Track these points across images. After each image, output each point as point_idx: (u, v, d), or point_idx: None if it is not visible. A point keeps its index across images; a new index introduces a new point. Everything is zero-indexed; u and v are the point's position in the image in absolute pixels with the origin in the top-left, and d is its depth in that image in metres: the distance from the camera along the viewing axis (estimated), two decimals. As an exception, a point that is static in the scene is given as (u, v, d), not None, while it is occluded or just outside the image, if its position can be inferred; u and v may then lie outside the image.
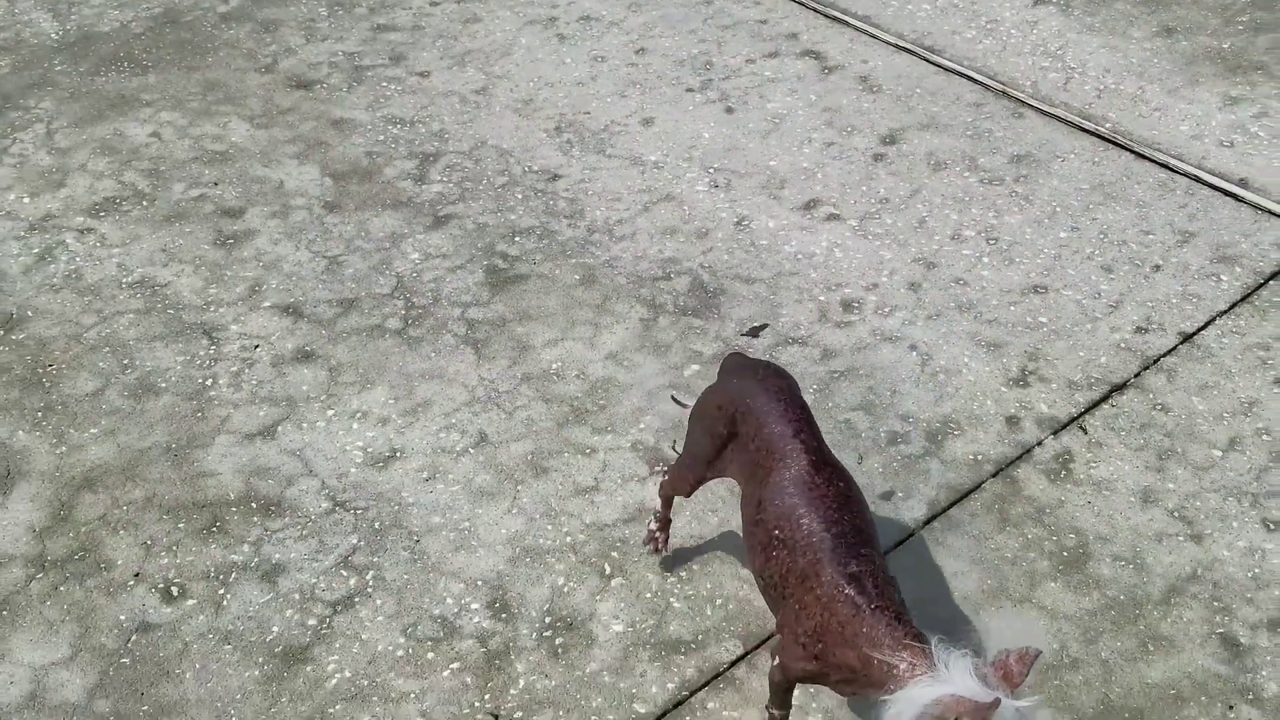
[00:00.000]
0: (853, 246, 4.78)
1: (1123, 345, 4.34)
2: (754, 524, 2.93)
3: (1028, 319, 4.45)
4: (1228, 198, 4.89)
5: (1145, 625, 3.51)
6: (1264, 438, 4.00)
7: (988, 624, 3.47)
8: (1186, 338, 4.35)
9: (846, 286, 4.61)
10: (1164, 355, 4.29)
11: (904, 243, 4.78)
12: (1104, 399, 4.15)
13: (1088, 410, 4.11)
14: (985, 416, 4.11)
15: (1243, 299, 4.47)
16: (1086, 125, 5.25)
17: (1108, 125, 5.29)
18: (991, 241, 4.78)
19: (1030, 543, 3.74)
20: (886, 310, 4.50)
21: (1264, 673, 3.39)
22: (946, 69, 5.61)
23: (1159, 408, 4.12)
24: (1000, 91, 5.46)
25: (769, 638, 3.48)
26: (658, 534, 3.56)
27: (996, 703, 2.50)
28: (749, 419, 3.01)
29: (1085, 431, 4.05)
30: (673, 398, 3.64)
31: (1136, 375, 4.23)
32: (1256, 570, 3.63)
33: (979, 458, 3.97)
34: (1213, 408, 4.11)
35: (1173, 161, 5.07)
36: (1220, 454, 3.97)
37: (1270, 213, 4.81)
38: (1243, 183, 4.93)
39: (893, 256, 4.73)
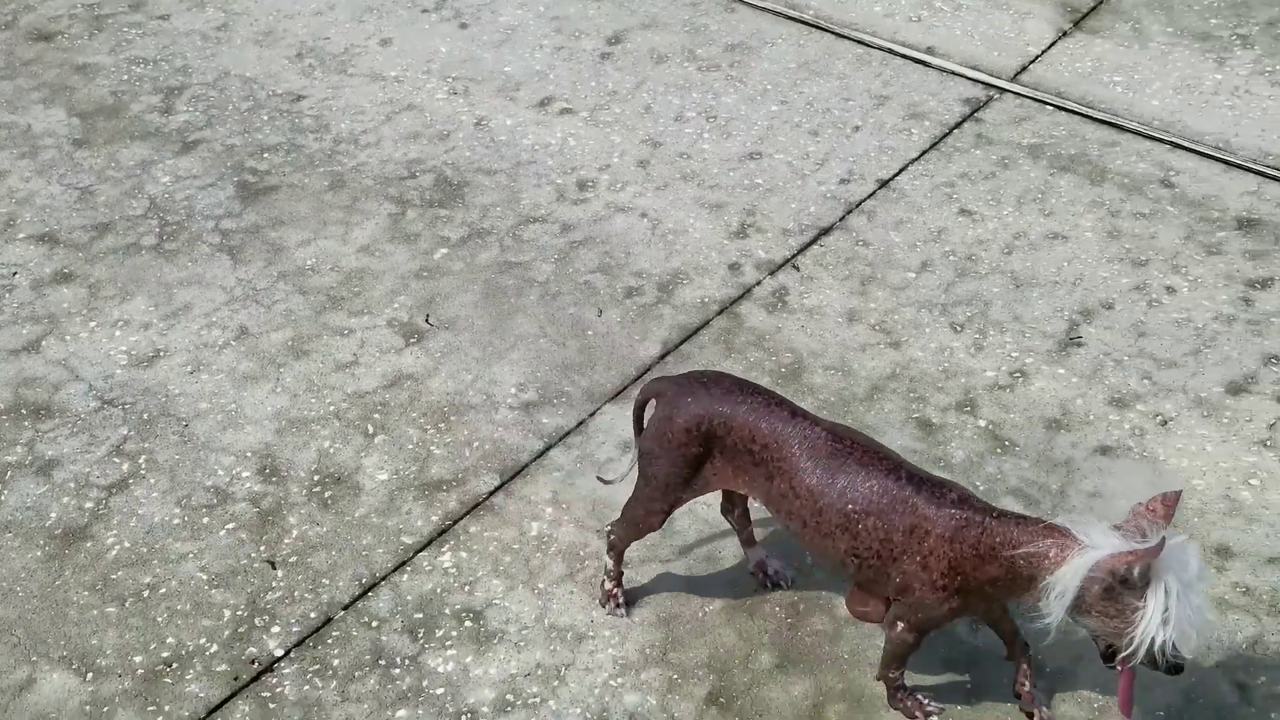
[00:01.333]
0: (585, 135, 5.17)
1: (829, 195, 4.83)
2: (815, 515, 2.89)
3: (745, 182, 4.91)
4: (917, 64, 5.45)
5: (853, 418, 3.99)
6: (950, 258, 4.54)
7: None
8: (884, 184, 4.87)
9: (581, 169, 5.00)
10: (864, 200, 4.80)
11: (632, 128, 5.20)
12: (813, 241, 4.64)
13: (800, 252, 4.60)
14: (710, 266, 4.55)
15: (931, 147, 5.02)
16: (792, 14, 5.75)
17: (810, 12, 5.80)
18: (711, 120, 5.23)
19: (753, 364, 4.19)
20: (618, 186, 4.91)
21: (952, 444, 3.91)
22: (660, -29, 6.06)
23: (861, 243, 4.63)
24: (714, -10, 5.93)
25: (522, 470, 3.83)
26: (615, 592, 3.39)
27: (1162, 543, 2.56)
28: (734, 428, 2.95)
29: (798, 269, 4.53)
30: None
31: (841, 219, 4.73)
32: (945, 365, 4.16)
33: (706, 300, 4.41)
34: (907, 238, 4.63)
35: (868, 38, 5.60)
36: (914, 275, 4.49)
37: (953, 73, 5.38)
38: (930, 50, 5.49)
39: (622, 140, 5.14)
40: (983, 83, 5.30)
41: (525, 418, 4.02)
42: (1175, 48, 5.45)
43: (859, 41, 5.58)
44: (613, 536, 3.30)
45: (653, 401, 3.12)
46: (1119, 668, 2.80)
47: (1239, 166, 4.83)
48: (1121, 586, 2.62)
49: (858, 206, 4.75)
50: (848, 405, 4.01)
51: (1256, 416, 3.94)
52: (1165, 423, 3.93)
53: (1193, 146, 4.92)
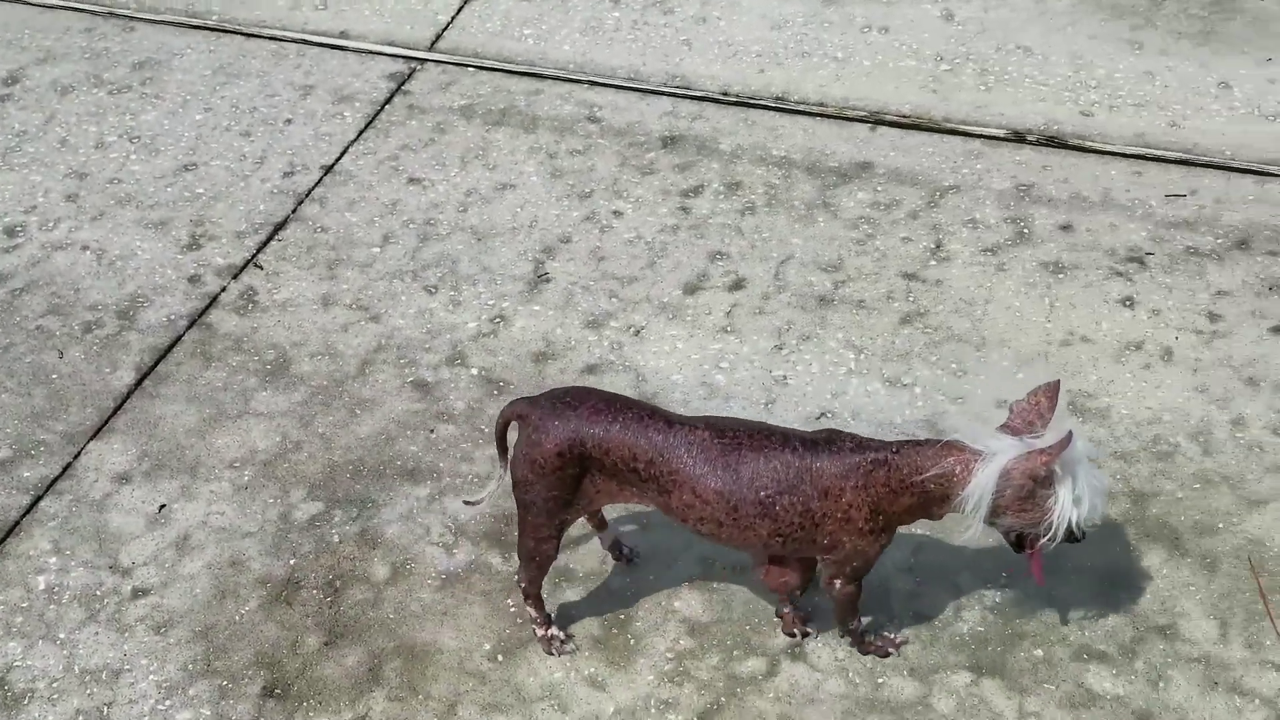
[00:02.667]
0: (2, 181, 4.94)
1: (276, 191, 4.89)
2: (730, 514, 2.94)
3: (186, 194, 4.88)
4: (334, 50, 5.59)
5: (349, 395, 4.10)
6: (410, 226, 4.73)
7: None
8: (328, 169, 4.99)
9: (5, 216, 4.79)
10: (313, 188, 4.90)
11: (51, 164, 5.03)
12: (271, 237, 4.69)
13: (259, 250, 4.64)
14: (168, 284, 4.50)
15: (367, 126, 5.18)
16: (195, 22, 5.73)
17: (214, 17, 5.81)
18: (135, 140, 5.15)
19: (236, 369, 4.20)
20: (50, 225, 4.75)
21: (451, 397, 4.10)
22: (56, 7, 5.87)
23: (320, 230, 4.73)
24: (107, 13, 5.80)
25: (14, 528, 3.66)
26: (549, 634, 3.38)
27: (1070, 436, 2.75)
28: (611, 449, 2.95)
29: (261, 268, 4.57)
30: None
31: (294, 211, 4.81)
32: (428, 326, 4.34)
33: (172, 318, 4.37)
34: (364, 217, 4.78)
35: (280, 33, 5.68)
36: (379, 249, 4.65)
37: (372, 53, 5.57)
38: (344, 35, 5.65)
39: (43, 179, 4.96)
40: (403, 57, 5.53)
41: (4, 475, 3.85)
42: (572, -5, 5.90)
43: (271, 38, 5.66)
44: (524, 584, 3.25)
45: (515, 424, 3.05)
46: (1029, 551, 3.02)
47: (653, 92, 5.30)
48: (1037, 485, 2.81)
49: (308, 196, 4.85)
50: (341, 385, 4.11)
51: (714, 308, 4.38)
52: (638, 332, 4.29)
53: (608, 81, 5.36)
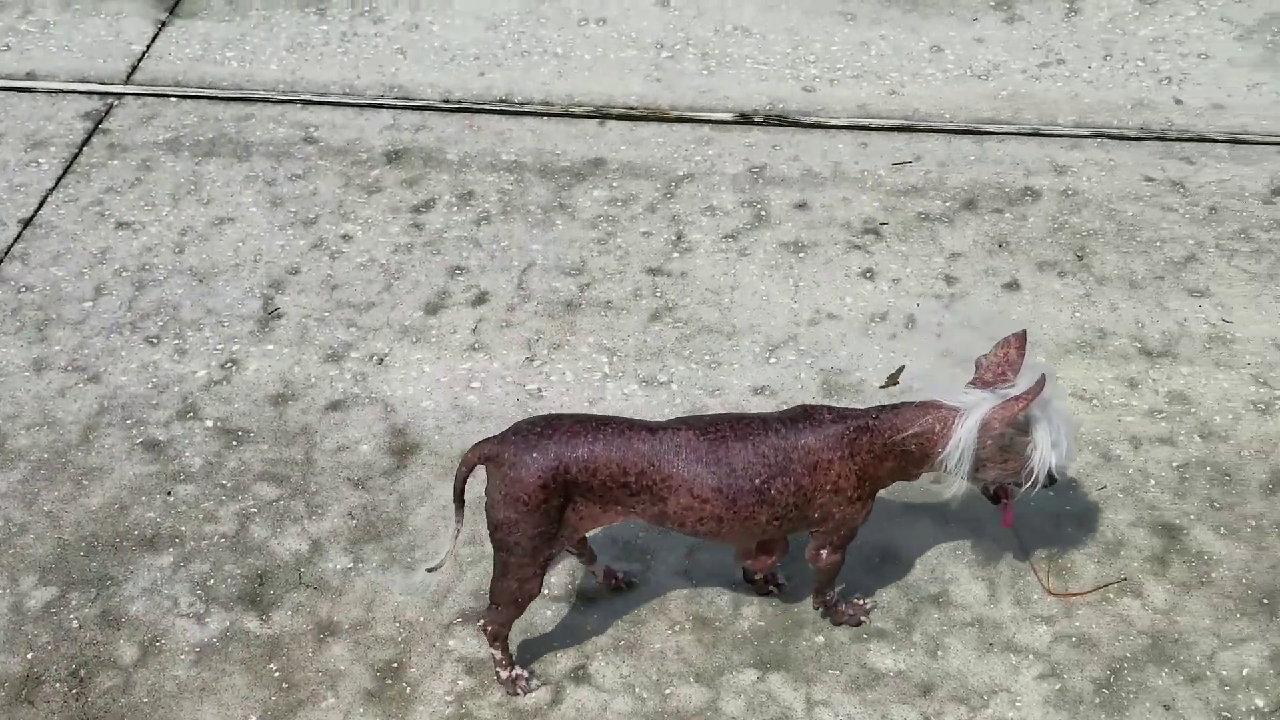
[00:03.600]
0: None
1: (-30, 251, 4.58)
2: (730, 508, 2.96)
3: None
4: (22, 93, 5.28)
5: (74, 467, 3.87)
6: (124, 275, 4.50)
7: None
8: (27, 223, 4.70)
9: None
10: (12, 244, 4.61)
11: None
12: (-31, 303, 4.39)
13: (-43, 319, 4.33)
14: None
15: (65, 172, 4.91)
16: None
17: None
18: None
19: (-56, 452, 3.91)
20: None
21: (187, 454, 3.91)
22: None
23: (24, 289, 4.45)
24: None
25: None
26: (514, 676, 3.30)
27: (1043, 379, 2.84)
28: (599, 469, 2.92)
29: (-38, 338, 4.27)
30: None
31: (-7, 271, 4.51)
32: (154, 380, 4.13)
33: None
34: (71, 270, 4.52)
35: (-42, 78, 5.34)
36: (91, 303, 4.40)
37: (64, 92, 5.27)
38: (31, 75, 5.33)
39: None
40: (98, 93, 5.26)
41: None
42: (275, 11, 5.71)
43: (-52, 85, 5.30)
44: (491, 628, 3.16)
45: (480, 469, 2.97)
46: (1005, 501, 3.14)
47: (370, 106, 5.17)
48: (1016, 432, 2.88)
49: (7, 253, 4.57)
50: (64, 455, 3.89)
51: (459, 326, 4.30)
52: (381, 361, 4.18)
53: (322, 99, 5.21)
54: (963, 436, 2.90)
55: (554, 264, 4.52)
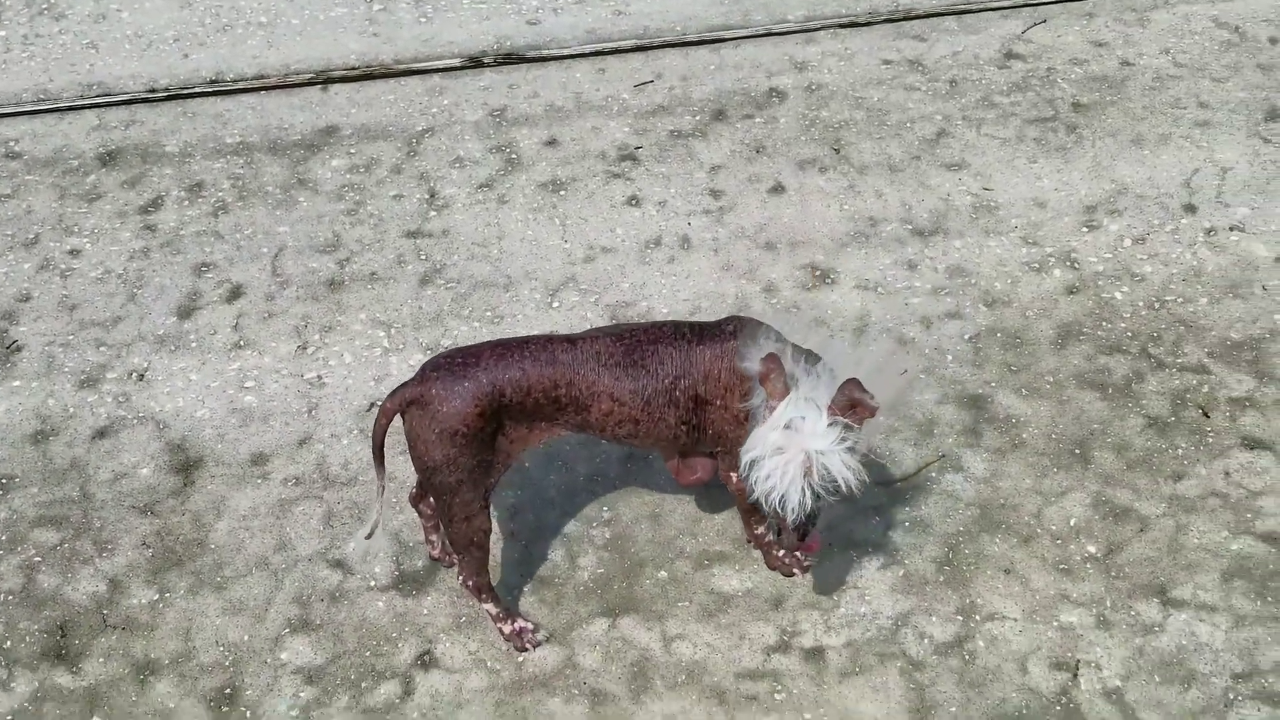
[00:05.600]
0: None
1: None
2: (644, 409, 3.02)
3: None
4: None
5: None
6: None
7: None
8: None
9: None
10: None
11: None
12: None
13: None
14: None
15: None
16: None
17: None
18: None
19: None
20: None
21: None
22: None
23: None
24: None
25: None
26: (516, 628, 3.27)
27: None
28: (531, 387, 2.98)
29: None
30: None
31: None
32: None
33: None
34: None
35: None
36: None
37: None
38: None
39: None
40: None
41: None
42: (-60, 21, 5.35)
43: None
44: (470, 580, 3.16)
45: (400, 419, 2.96)
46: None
47: (71, 108, 4.92)
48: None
49: None
50: None
51: (218, 326, 4.15)
52: (141, 377, 4.01)
53: (16, 109, 4.93)
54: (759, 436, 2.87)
55: (306, 244, 4.40)
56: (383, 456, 3.05)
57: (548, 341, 3.04)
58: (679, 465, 3.27)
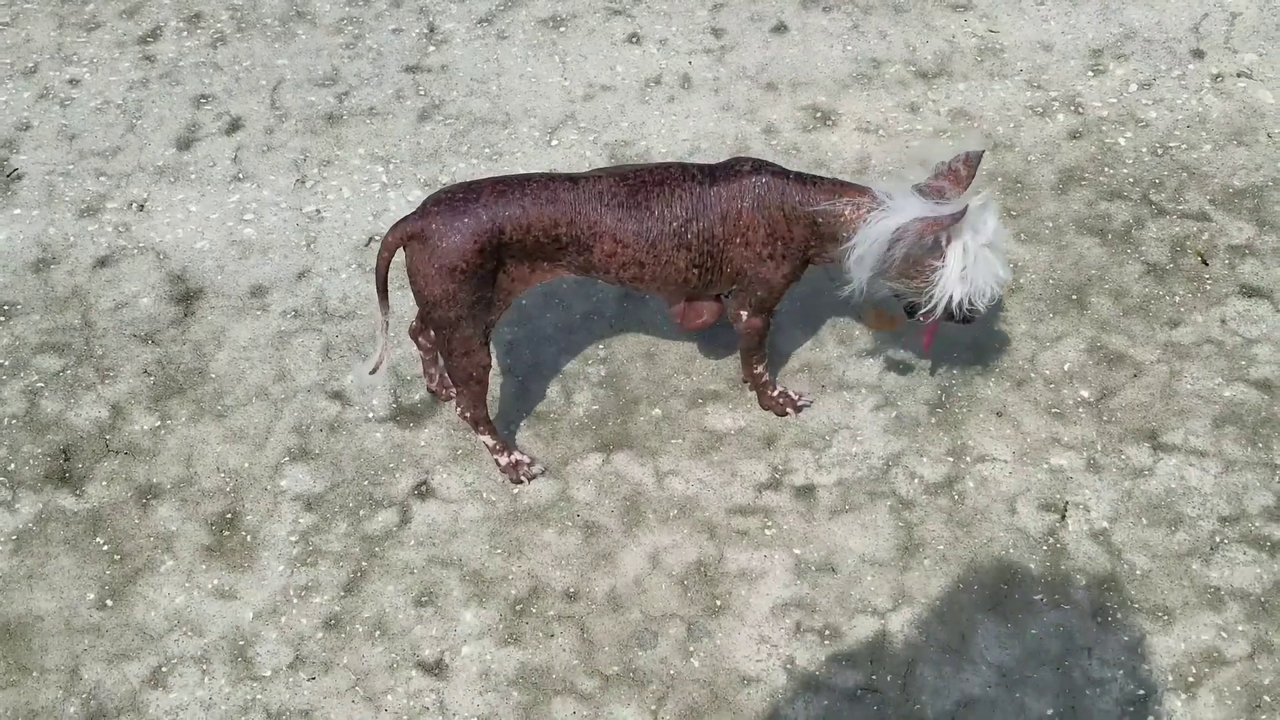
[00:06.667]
0: None
1: None
2: (650, 251, 2.97)
3: None
4: None
5: None
6: None
7: None
8: None
9: None
10: None
11: None
12: None
13: None
14: None
15: None
16: None
17: None
18: None
19: None
20: None
21: (-49, 339, 3.64)
22: None
23: None
24: None
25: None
26: (514, 460, 3.27)
27: (964, 210, 2.75)
28: (531, 225, 2.92)
29: None
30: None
31: None
32: (-106, 267, 3.80)
33: None
34: None
35: None
36: None
37: None
38: None
39: None
40: None
41: None
42: None
43: None
44: (468, 413, 3.15)
45: (403, 250, 2.93)
46: (922, 319, 3.04)
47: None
48: (924, 251, 2.83)
49: None
50: None
51: (217, 158, 4.09)
52: (141, 207, 3.95)
53: (10, -65, 4.77)
54: (870, 235, 2.86)
55: (305, 77, 4.30)
56: (386, 290, 3.00)
57: (549, 180, 2.97)
58: (684, 309, 3.21)
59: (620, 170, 3.02)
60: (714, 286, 3.12)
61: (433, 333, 3.09)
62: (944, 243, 2.88)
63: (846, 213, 2.92)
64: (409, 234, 2.91)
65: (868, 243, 2.86)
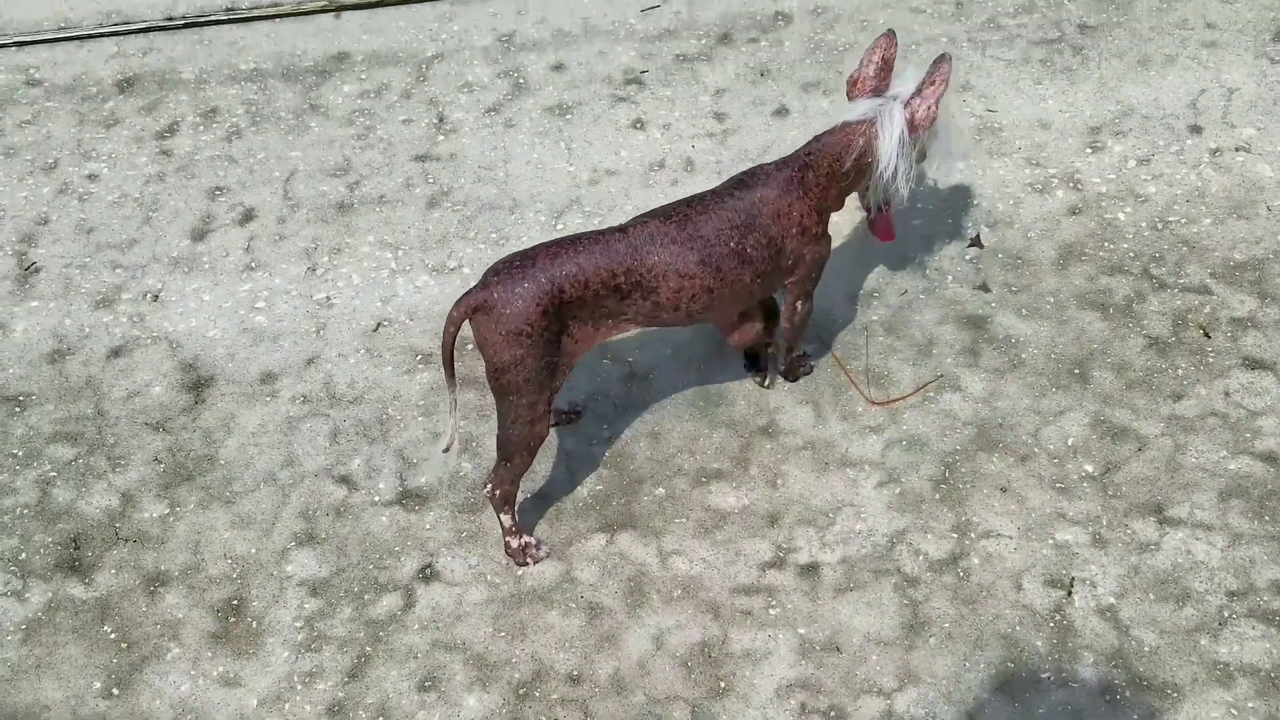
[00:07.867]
0: None
1: None
2: (716, 277, 3.03)
3: None
4: None
5: None
6: None
7: None
8: None
9: None
10: None
11: None
12: None
13: None
14: None
15: None
16: None
17: None
18: None
19: None
20: None
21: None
22: None
23: None
24: None
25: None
26: (525, 544, 3.23)
27: (947, 57, 2.99)
28: (590, 280, 2.93)
29: None
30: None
31: None
32: (-88, 360, 3.80)
33: None
34: None
35: None
36: None
37: None
38: None
39: None
40: None
41: None
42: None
43: None
44: (499, 490, 3.10)
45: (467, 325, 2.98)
46: (885, 209, 3.28)
47: (90, 36, 4.81)
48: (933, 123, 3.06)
49: None
50: None
51: (230, 248, 4.07)
52: (156, 297, 3.94)
53: (37, 38, 4.82)
54: (895, 144, 3.00)
55: (317, 167, 4.30)
56: (453, 366, 2.98)
57: (599, 234, 2.99)
58: (739, 330, 3.31)
59: (661, 212, 3.05)
60: (772, 288, 3.19)
61: (496, 404, 3.05)
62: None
63: (862, 144, 3.06)
64: (473, 306, 2.91)
65: (892, 153, 3.03)
